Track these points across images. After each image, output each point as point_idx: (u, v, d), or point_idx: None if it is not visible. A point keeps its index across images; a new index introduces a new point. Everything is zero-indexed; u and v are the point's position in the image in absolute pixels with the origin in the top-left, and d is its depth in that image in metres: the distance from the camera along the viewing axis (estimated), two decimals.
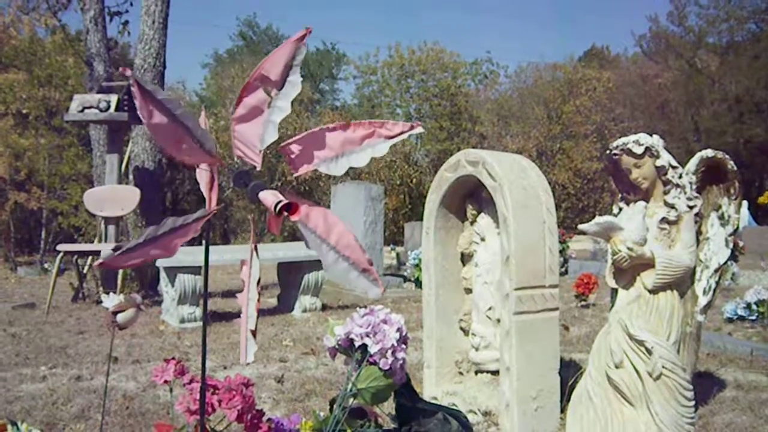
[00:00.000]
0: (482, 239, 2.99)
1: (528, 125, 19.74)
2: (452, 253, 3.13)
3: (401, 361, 1.51)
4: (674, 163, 2.46)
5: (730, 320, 5.21)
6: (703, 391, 3.13)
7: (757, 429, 2.83)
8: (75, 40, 11.17)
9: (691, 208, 2.47)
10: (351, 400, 1.52)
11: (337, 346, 1.55)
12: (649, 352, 2.30)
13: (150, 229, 1.28)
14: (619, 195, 2.66)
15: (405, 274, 8.29)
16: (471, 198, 3.06)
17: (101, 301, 1.77)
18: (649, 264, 2.38)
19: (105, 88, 7.29)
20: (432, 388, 3.03)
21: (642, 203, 2.49)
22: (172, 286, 5.29)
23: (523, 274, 2.65)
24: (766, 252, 9.92)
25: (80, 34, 9.98)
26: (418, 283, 7.51)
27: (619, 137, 2.60)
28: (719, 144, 16.17)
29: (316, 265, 5.98)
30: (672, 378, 2.29)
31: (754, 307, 5.11)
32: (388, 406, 1.71)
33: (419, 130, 1.45)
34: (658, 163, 2.44)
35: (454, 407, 1.88)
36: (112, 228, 6.68)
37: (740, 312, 5.17)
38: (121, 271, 6.28)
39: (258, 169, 1.39)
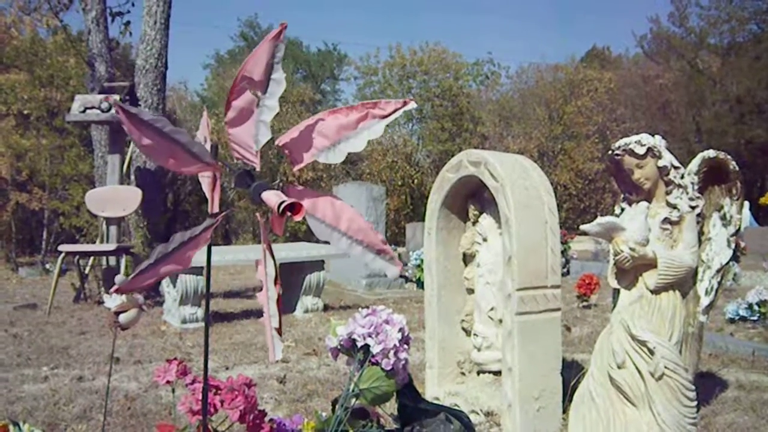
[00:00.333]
0: (484, 240, 2.98)
1: (529, 126, 19.71)
2: (454, 253, 3.13)
3: (403, 362, 1.51)
4: (676, 164, 2.46)
5: (731, 321, 5.21)
6: (705, 392, 3.13)
7: (759, 429, 2.83)
8: (76, 41, 11.17)
9: (693, 208, 2.47)
10: (353, 400, 1.52)
11: (339, 347, 1.55)
12: (651, 352, 2.29)
13: (160, 247, 1.28)
14: (621, 195, 2.66)
15: (407, 274, 8.28)
16: (473, 198, 3.06)
17: (103, 302, 1.77)
18: (651, 264, 2.38)
19: (106, 89, 7.30)
20: (434, 389, 3.03)
21: (644, 204, 2.49)
22: (174, 286, 5.30)
23: (525, 275, 2.65)
24: (767, 253, 9.92)
25: (82, 35, 10.00)
26: (420, 283, 7.50)
27: (621, 138, 2.60)
28: (721, 144, 16.15)
29: (317, 265, 5.98)
30: (674, 378, 2.28)
31: (755, 307, 5.11)
32: (391, 407, 1.71)
33: (412, 105, 1.44)
34: (660, 163, 2.44)
35: (456, 408, 1.88)
36: (113, 228, 6.68)
37: (742, 312, 5.16)
38: (122, 272, 6.28)
39: (257, 169, 1.39)
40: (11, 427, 1.66)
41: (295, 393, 3.37)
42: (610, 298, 2.67)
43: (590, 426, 2.40)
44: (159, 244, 1.29)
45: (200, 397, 1.49)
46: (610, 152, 2.55)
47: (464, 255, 3.13)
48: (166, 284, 5.55)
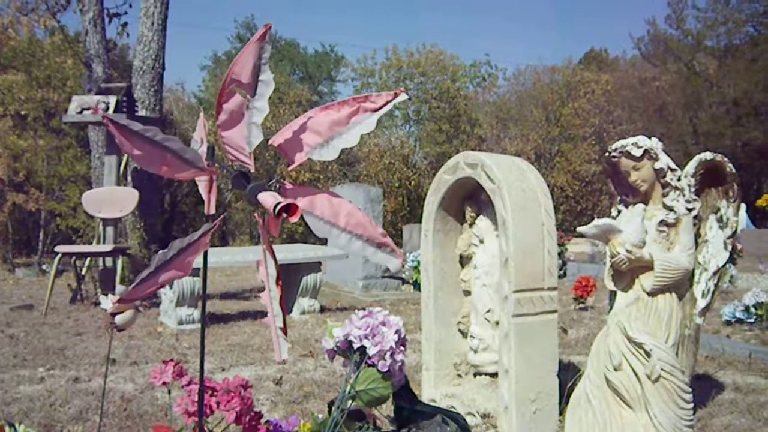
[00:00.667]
0: (481, 241, 2.99)
1: (526, 128, 19.72)
2: (451, 255, 3.13)
3: (400, 363, 1.51)
4: (673, 166, 2.46)
5: (728, 323, 5.21)
6: (701, 394, 3.14)
7: (756, 431, 2.83)
8: (74, 42, 11.16)
9: (689, 210, 2.47)
10: (349, 402, 1.51)
11: (335, 348, 1.55)
12: (647, 354, 2.30)
13: (159, 255, 1.28)
14: (618, 197, 2.66)
15: (403, 276, 8.28)
16: (470, 200, 3.06)
17: (99, 303, 1.77)
18: (647, 266, 2.38)
19: (104, 90, 7.29)
20: (430, 391, 3.03)
21: (641, 206, 2.50)
22: (171, 287, 5.29)
23: (521, 277, 2.65)
24: (764, 255, 9.94)
25: (79, 36, 9.98)
26: (417, 285, 7.50)
27: (618, 140, 2.60)
28: (717, 147, 16.16)
29: (314, 267, 5.98)
30: (670, 380, 2.29)
31: (752, 309, 5.12)
32: (387, 409, 1.71)
33: (403, 96, 1.43)
34: (657, 165, 2.45)
35: (452, 409, 1.88)
36: (110, 229, 6.66)
37: (738, 315, 5.17)
38: (119, 273, 6.27)
39: (252, 171, 1.39)
40: (7, 429, 1.66)
41: (291, 395, 3.36)
42: (607, 300, 2.67)
43: (587, 428, 2.40)
44: (156, 245, 1.29)
45: (196, 399, 1.48)
46: (606, 154, 2.55)
47: (461, 257, 3.13)
48: None
